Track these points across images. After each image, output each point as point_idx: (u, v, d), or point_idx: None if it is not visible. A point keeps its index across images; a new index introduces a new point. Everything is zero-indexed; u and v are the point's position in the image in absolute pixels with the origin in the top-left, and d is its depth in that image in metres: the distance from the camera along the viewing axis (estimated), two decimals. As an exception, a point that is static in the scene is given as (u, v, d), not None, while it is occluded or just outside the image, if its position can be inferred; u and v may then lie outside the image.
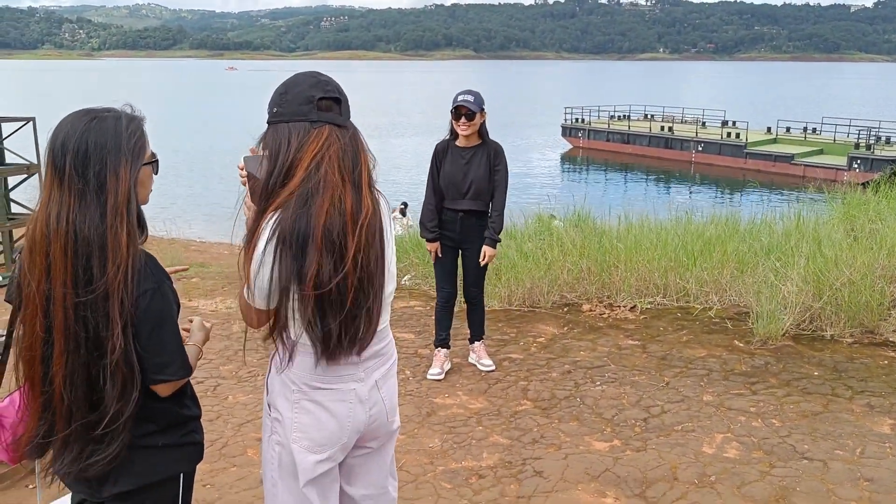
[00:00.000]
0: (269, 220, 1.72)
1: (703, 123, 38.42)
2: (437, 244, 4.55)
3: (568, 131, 41.99)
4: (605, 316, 5.85)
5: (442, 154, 4.43)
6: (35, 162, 9.88)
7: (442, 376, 4.64)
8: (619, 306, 6.01)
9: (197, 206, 24.37)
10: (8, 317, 1.92)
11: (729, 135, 35.12)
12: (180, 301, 1.87)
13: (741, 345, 5.01)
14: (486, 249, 4.41)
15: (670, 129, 38.00)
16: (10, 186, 10.08)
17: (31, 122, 9.74)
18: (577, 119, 42.45)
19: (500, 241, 4.51)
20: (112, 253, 1.66)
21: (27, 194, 10.34)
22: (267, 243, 1.71)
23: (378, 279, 1.81)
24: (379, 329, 1.90)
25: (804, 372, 4.45)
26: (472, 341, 4.84)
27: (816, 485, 3.16)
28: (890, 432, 3.63)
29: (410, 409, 4.17)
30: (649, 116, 42.90)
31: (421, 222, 4.63)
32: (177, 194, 25.71)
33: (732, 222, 7.90)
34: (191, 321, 2.05)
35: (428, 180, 4.49)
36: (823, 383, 4.26)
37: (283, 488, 1.94)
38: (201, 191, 27.59)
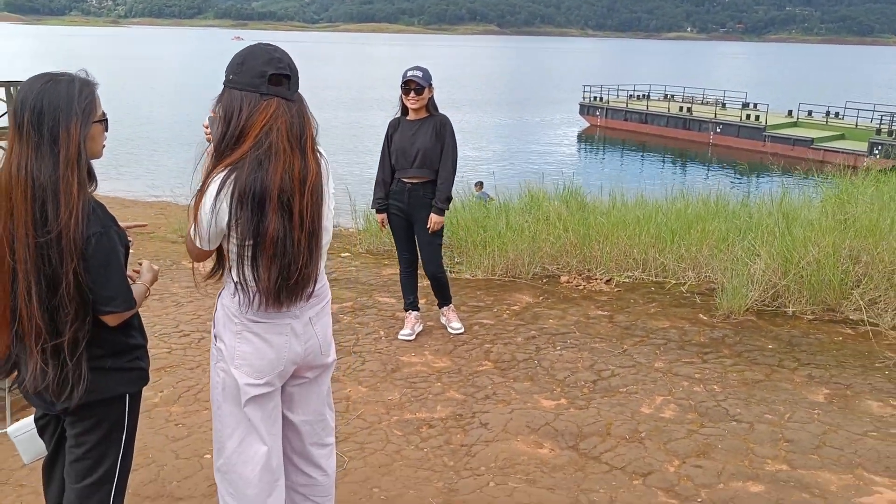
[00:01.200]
0: (219, 175, 1.97)
1: (724, 105, 38.09)
2: (383, 215, 4.80)
3: (586, 109, 41.82)
4: (581, 288, 6.06)
5: (393, 129, 4.67)
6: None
7: (412, 337, 4.89)
8: (595, 279, 6.21)
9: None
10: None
11: (748, 117, 34.84)
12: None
13: (705, 318, 5.20)
14: (432, 216, 4.60)
15: (689, 109, 37.73)
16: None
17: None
18: (595, 97, 42.23)
19: (446, 208, 4.65)
20: (64, 198, 1.92)
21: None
22: (217, 195, 1.96)
23: (318, 235, 2.04)
24: None
25: (758, 345, 4.64)
26: (440, 306, 5.05)
27: (738, 443, 3.38)
28: (823, 400, 3.83)
29: (377, 364, 4.42)
30: (669, 97, 42.56)
31: (374, 194, 4.84)
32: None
33: (721, 202, 8.06)
34: (140, 263, 2.30)
35: (381, 154, 4.71)
36: (773, 355, 4.46)
37: (226, 410, 2.20)
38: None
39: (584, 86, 42.99)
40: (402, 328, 4.98)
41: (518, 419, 3.67)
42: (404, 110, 4.62)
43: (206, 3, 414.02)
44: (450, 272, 6.68)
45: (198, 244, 2.07)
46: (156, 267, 2.31)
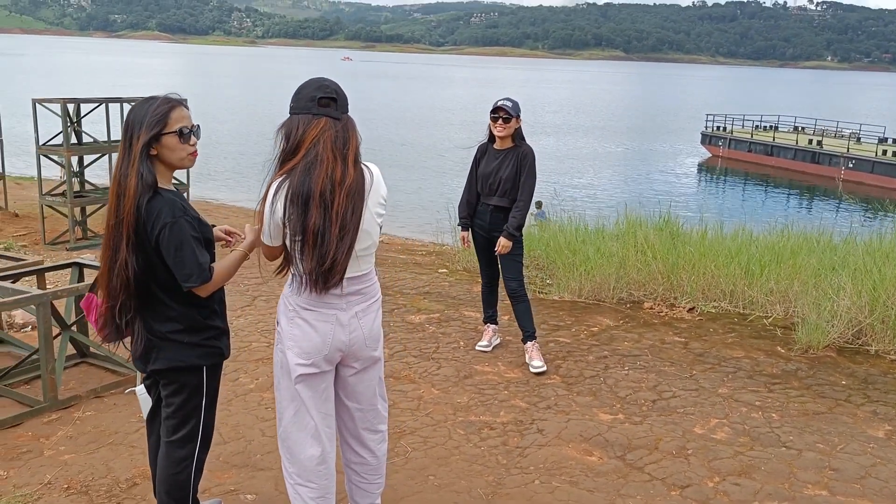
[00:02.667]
0: (277, 180, 2.41)
1: (858, 139, 36.21)
2: (466, 232, 5.09)
3: (708, 139, 40.79)
4: (662, 314, 6.18)
5: (480, 154, 4.96)
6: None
7: (489, 349, 5.19)
8: (679, 307, 6.31)
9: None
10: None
11: (885, 152, 32.94)
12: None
13: (782, 351, 5.23)
14: (501, 239, 4.81)
15: (819, 142, 36.10)
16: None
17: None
18: (718, 127, 41.14)
19: (517, 235, 4.82)
20: (127, 193, 2.42)
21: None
22: (275, 197, 2.39)
23: (352, 232, 2.42)
24: (359, 275, 2.53)
25: (831, 380, 4.66)
26: (523, 341, 5.03)
27: (782, 467, 3.48)
28: (882, 436, 3.85)
29: (451, 370, 4.77)
30: (799, 128, 40.85)
31: (458, 213, 5.14)
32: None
33: (823, 237, 7.91)
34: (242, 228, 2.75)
35: (468, 176, 5.03)
36: (843, 391, 4.47)
37: (283, 385, 2.62)
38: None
39: (707, 115, 41.96)
40: (480, 340, 5.30)
41: (573, 428, 3.91)
42: (491, 137, 4.93)
43: (338, 26, 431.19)
44: (539, 293, 6.96)
45: (263, 240, 2.50)
46: (256, 227, 2.65)
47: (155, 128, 2.46)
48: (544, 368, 4.80)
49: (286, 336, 2.56)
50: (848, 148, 34.15)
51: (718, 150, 39.46)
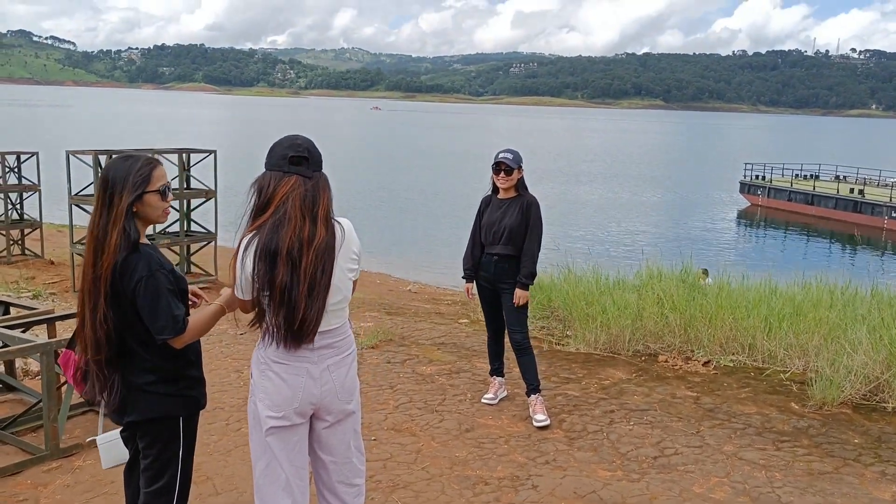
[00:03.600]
0: (248, 237, 2.47)
1: (902, 188, 35.48)
2: (471, 284, 5.10)
3: (746, 188, 40.36)
4: (677, 368, 6.07)
5: (484, 206, 5.00)
6: (213, 188, 11.50)
7: (495, 401, 5.15)
8: (694, 360, 6.20)
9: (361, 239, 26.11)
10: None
11: (930, 202, 32.21)
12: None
13: (796, 407, 5.09)
14: (517, 291, 4.83)
15: (861, 191, 35.45)
16: (191, 207, 11.78)
17: (212, 154, 11.42)
18: (757, 176, 40.73)
19: (530, 283, 4.84)
20: (106, 250, 2.49)
21: (205, 216, 12.00)
22: (245, 252, 2.45)
23: (322, 289, 2.45)
24: (330, 329, 2.55)
25: (843, 438, 4.51)
26: (527, 394, 4.95)
27: (780, 531, 3.36)
28: (888, 499, 3.70)
29: (453, 423, 4.73)
30: (840, 177, 40.21)
31: (464, 265, 5.13)
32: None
33: (848, 290, 7.72)
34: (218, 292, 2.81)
35: (473, 228, 5.05)
36: (854, 450, 4.32)
37: (255, 437, 2.64)
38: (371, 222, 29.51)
39: (746, 163, 41.61)
40: (486, 392, 5.26)
41: (567, 485, 3.84)
42: (495, 189, 4.98)
43: (379, 76, 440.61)
44: (556, 344, 6.90)
45: (236, 294, 2.54)
46: (230, 293, 2.71)
47: (140, 187, 2.54)
48: (547, 422, 4.73)
49: (257, 388, 2.59)
50: (891, 197, 33.46)
51: (757, 198, 39.00)
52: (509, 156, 4.80)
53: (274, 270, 2.41)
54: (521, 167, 4.85)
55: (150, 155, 2.63)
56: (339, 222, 2.56)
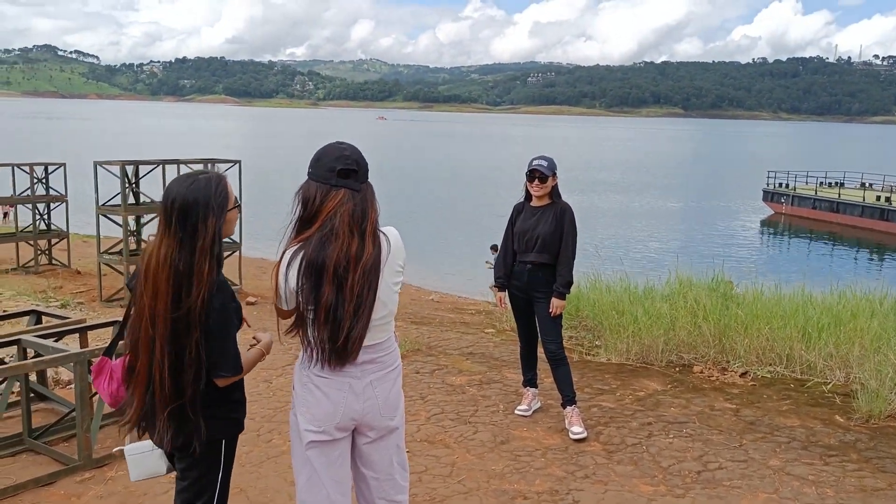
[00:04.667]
0: (292, 248, 2.38)
1: (930, 195, 34.93)
2: (503, 293, 4.99)
3: (770, 196, 39.91)
4: (713, 379, 5.93)
5: (516, 213, 4.90)
6: (238, 198, 11.47)
7: (529, 413, 5.04)
8: (731, 371, 6.06)
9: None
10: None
11: (959, 209, 31.67)
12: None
13: (840, 420, 4.94)
14: (554, 300, 4.73)
15: (888, 199, 34.94)
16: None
17: (237, 164, 11.43)
18: (780, 184, 40.28)
19: (567, 292, 4.76)
20: (197, 280, 2.34)
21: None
22: (289, 266, 2.36)
23: (368, 306, 2.37)
24: (374, 343, 2.47)
25: (894, 453, 4.35)
26: (563, 405, 4.86)
27: (836, 550, 3.23)
28: (948, 517, 3.55)
29: (488, 435, 4.63)
30: (866, 185, 39.63)
31: (494, 273, 5.07)
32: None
33: (887, 297, 7.54)
34: (263, 331, 2.73)
35: (504, 236, 4.97)
36: (906, 465, 4.16)
37: (297, 450, 2.56)
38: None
39: (769, 171, 41.17)
40: (520, 403, 5.15)
41: (610, 499, 3.73)
42: (528, 196, 4.89)
43: (396, 87, 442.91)
44: (586, 354, 6.79)
45: (278, 304, 2.47)
46: (271, 338, 2.68)
47: (226, 205, 2.41)
48: (584, 435, 4.61)
49: (299, 401, 2.52)
50: (919, 204, 32.97)
51: (781, 206, 38.55)
52: (544, 163, 4.71)
53: (320, 288, 2.33)
54: (555, 174, 4.76)
55: (211, 170, 2.55)
56: (384, 233, 2.48)
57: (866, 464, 4.19)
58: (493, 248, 16.40)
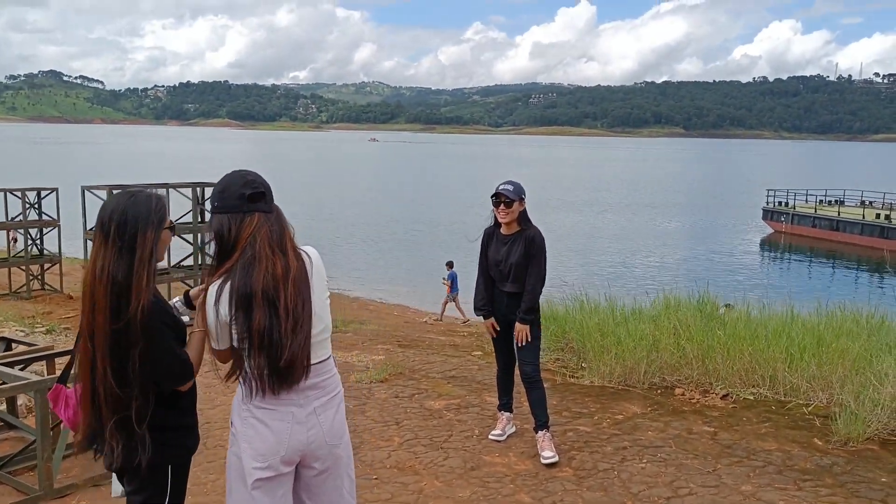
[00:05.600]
0: (216, 282, 2.35)
1: (931, 212, 34.85)
2: (491, 320, 4.85)
3: (769, 214, 39.89)
4: (694, 401, 5.86)
5: (488, 240, 4.82)
6: (174, 224, 11.50)
7: (503, 438, 4.97)
8: (712, 393, 5.99)
9: (382, 270, 26.09)
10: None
11: (960, 227, 31.57)
12: None
13: (819, 443, 4.86)
14: (517, 325, 4.65)
15: (888, 216, 34.86)
16: (207, 241, 11.78)
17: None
18: (780, 202, 40.25)
19: (528, 319, 4.65)
20: (135, 292, 2.32)
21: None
22: (218, 300, 2.32)
23: (306, 320, 2.34)
24: (315, 364, 2.42)
25: (869, 477, 4.28)
26: (535, 430, 4.75)
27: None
28: (918, 544, 3.47)
29: (458, 461, 4.57)
30: (866, 202, 39.58)
31: (474, 303, 4.95)
32: (366, 258, 27.81)
33: (872, 317, 7.46)
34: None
35: (479, 263, 4.89)
36: (881, 490, 4.09)
37: (236, 490, 2.47)
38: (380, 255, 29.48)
39: (768, 190, 41.16)
40: (494, 428, 5.09)
41: (574, 528, 3.66)
42: (497, 221, 4.83)
43: (399, 109, 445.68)
44: (570, 377, 6.72)
45: (212, 345, 2.41)
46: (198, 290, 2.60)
47: (163, 221, 2.43)
48: (556, 459, 4.54)
49: (240, 437, 2.44)
50: (919, 222, 32.89)
51: (780, 225, 38.51)
52: (510, 188, 4.61)
53: (251, 315, 2.29)
54: (522, 199, 4.68)
55: (150, 189, 2.53)
56: (304, 251, 2.46)
57: (840, 488, 4.12)
58: (449, 264, 16.85)
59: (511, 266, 4.64)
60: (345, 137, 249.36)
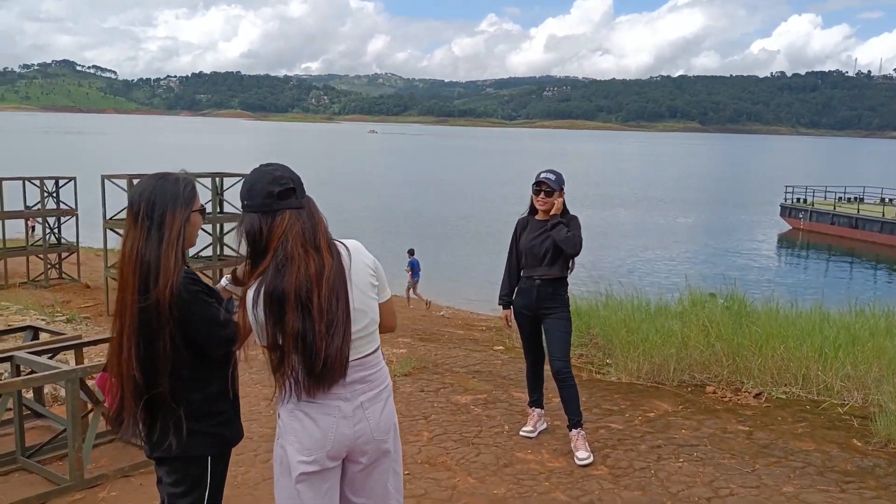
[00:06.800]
0: (253, 287, 2.27)
1: (952, 210, 34.42)
2: (508, 311, 4.83)
3: (787, 211, 39.47)
4: (726, 399, 5.76)
5: (521, 228, 4.76)
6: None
7: (534, 434, 4.89)
8: (744, 391, 5.88)
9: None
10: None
11: (981, 225, 31.14)
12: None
13: (858, 444, 4.75)
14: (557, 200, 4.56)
15: (907, 214, 34.44)
16: (225, 231, 11.77)
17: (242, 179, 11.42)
18: (798, 199, 39.84)
19: (562, 221, 4.57)
20: (164, 272, 2.29)
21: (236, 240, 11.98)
22: (255, 302, 2.26)
23: (342, 320, 2.26)
24: (361, 357, 2.35)
25: (914, 479, 4.17)
26: (569, 428, 4.67)
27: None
28: (972, 551, 3.37)
29: (490, 458, 4.49)
30: (886, 200, 39.10)
31: (499, 293, 4.90)
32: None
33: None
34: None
35: (508, 252, 4.82)
36: (928, 493, 3.98)
37: (282, 483, 2.40)
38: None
39: (786, 186, 40.75)
40: (525, 424, 5.00)
41: (614, 529, 3.57)
42: (533, 210, 4.75)
43: (412, 101, 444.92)
44: (596, 373, 6.62)
45: (257, 341, 2.34)
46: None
47: (192, 204, 2.40)
48: (591, 460, 4.44)
49: (286, 430, 2.37)
50: (939, 220, 32.47)
51: (799, 222, 38.12)
52: (551, 176, 4.57)
53: (284, 318, 2.22)
54: (562, 189, 4.62)
55: (181, 172, 2.48)
56: (343, 243, 2.38)
57: (885, 491, 4.01)
58: (410, 251, 17.74)
59: (547, 250, 4.57)
60: (346, 129, 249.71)
